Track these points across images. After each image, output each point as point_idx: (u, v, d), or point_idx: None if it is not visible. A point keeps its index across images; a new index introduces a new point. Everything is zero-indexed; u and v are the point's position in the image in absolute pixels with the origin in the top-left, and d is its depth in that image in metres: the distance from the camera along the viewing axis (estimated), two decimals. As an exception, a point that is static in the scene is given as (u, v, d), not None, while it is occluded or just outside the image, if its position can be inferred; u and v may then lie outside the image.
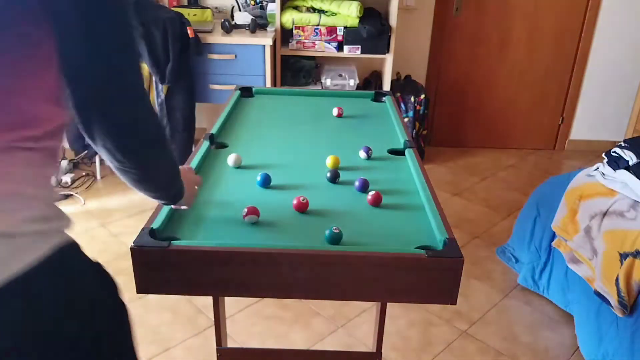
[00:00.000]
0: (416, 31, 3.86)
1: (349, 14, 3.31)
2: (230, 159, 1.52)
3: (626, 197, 2.09)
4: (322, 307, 2.40)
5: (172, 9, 3.31)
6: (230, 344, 2.16)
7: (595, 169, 2.30)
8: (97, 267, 0.88)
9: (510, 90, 4.06)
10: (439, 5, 3.78)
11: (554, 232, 2.33)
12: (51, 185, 0.82)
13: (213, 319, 1.80)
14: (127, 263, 2.66)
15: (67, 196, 3.28)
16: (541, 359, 2.16)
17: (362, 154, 1.60)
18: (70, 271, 0.80)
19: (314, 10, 3.39)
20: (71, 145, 3.34)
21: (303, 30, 3.34)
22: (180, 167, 1.18)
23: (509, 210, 3.30)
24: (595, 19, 3.83)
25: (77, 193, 3.31)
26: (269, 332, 2.25)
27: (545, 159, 4.09)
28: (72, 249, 0.82)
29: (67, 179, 3.39)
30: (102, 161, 3.68)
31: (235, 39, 3.22)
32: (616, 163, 2.21)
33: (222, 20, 3.30)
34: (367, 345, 2.20)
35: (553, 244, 2.33)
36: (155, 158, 0.97)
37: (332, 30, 3.33)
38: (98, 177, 3.52)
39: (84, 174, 3.55)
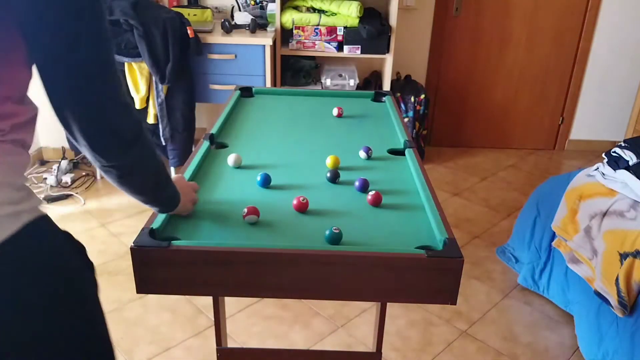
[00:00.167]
0: (416, 31, 3.86)
1: (349, 14, 3.31)
2: (230, 159, 1.52)
3: (626, 197, 2.09)
4: (322, 307, 2.40)
5: (172, 9, 3.31)
6: (230, 344, 2.17)
7: (595, 169, 2.30)
8: (66, 234, 0.98)
9: (510, 90, 4.06)
10: (439, 5, 3.78)
11: (554, 232, 2.33)
12: (22, 171, 0.89)
13: (213, 319, 1.80)
14: (127, 263, 2.67)
15: (67, 196, 3.28)
16: (541, 359, 2.16)
17: (362, 154, 1.60)
18: (41, 239, 0.90)
19: (314, 10, 3.39)
20: (71, 145, 3.34)
21: (303, 30, 3.34)
22: (172, 176, 1.21)
23: (509, 210, 3.30)
24: (595, 19, 3.83)
25: (77, 193, 3.31)
26: (269, 332, 2.25)
27: (545, 159, 4.09)
28: (42, 220, 0.91)
29: (67, 179, 3.39)
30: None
31: (235, 39, 3.22)
32: (616, 163, 2.21)
33: (222, 20, 3.30)
34: (367, 345, 2.20)
35: (553, 244, 2.33)
36: (135, 157, 0.97)
37: (332, 30, 3.33)
38: (98, 177, 3.52)
39: (84, 174, 3.55)
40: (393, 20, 3.40)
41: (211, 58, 3.24)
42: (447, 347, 2.20)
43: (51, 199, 3.21)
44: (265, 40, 3.20)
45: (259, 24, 3.40)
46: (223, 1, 3.66)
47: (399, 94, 3.65)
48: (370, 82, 3.81)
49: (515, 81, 4.03)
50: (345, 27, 3.34)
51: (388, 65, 3.45)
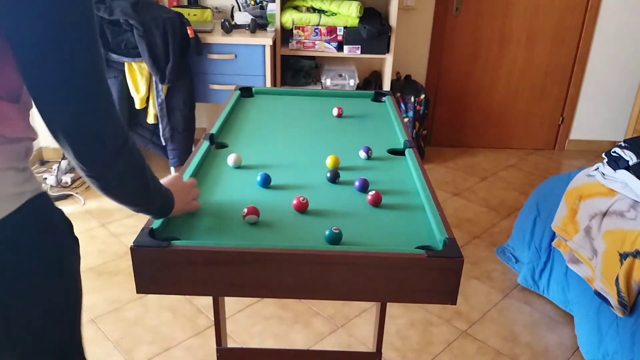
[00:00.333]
0: (416, 31, 3.86)
1: (349, 14, 3.31)
2: (230, 159, 1.52)
3: (626, 197, 2.09)
4: (322, 307, 2.40)
5: (172, 9, 3.31)
6: (230, 344, 2.17)
7: (595, 169, 2.30)
8: (60, 211, 1.07)
9: (510, 90, 4.06)
10: (439, 5, 3.79)
11: (554, 232, 2.33)
12: (25, 157, 0.98)
13: (213, 319, 1.80)
14: (127, 263, 2.67)
15: (67, 196, 3.28)
16: (541, 359, 2.16)
17: (362, 154, 1.60)
18: (39, 214, 1.00)
19: (314, 10, 3.39)
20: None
21: (303, 30, 3.34)
22: (168, 177, 1.22)
23: (509, 210, 3.30)
24: (595, 18, 3.83)
25: (77, 193, 3.31)
26: (269, 332, 2.25)
27: (545, 159, 4.09)
28: (42, 197, 1.00)
29: (67, 179, 3.40)
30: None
31: (235, 39, 3.22)
32: (616, 163, 2.21)
33: (222, 20, 3.30)
34: (367, 345, 2.20)
35: (553, 244, 2.33)
36: (119, 170, 0.97)
37: (332, 30, 3.34)
38: (98, 177, 3.51)
39: (84, 174, 3.54)
40: (393, 20, 3.40)
41: (211, 58, 3.24)
42: (447, 347, 2.20)
43: (51, 199, 3.21)
44: (265, 40, 3.20)
45: (259, 24, 3.40)
46: (223, 1, 3.66)
47: (399, 94, 3.65)
48: (370, 82, 3.81)
49: (515, 81, 4.03)
50: (345, 27, 3.34)
51: (388, 65, 3.45)
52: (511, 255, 2.64)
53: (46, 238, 1.01)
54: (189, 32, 3.07)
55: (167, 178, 1.23)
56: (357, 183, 1.41)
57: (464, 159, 4.02)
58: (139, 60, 3.05)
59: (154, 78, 3.11)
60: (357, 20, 3.34)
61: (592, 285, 2.05)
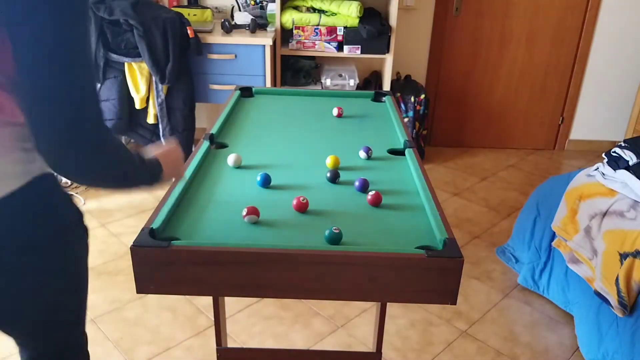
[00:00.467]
0: (416, 31, 3.86)
1: (349, 14, 3.31)
2: (230, 159, 1.52)
3: (626, 197, 2.09)
4: (322, 307, 2.40)
5: (172, 9, 3.31)
6: (230, 344, 2.17)
7: (595, 169, 2.30)
8: (67, 195, 1.12)
9: (510, 90, 4.06)
10: (439, 5, 3.79)
11: (554, 232, 2.33)
12: (29, 137, 0.97)
13: (213, 319, 1.80)
14: (127, 263, 2.67)
15: (67, 196, 3.28)
16: (541, 359, 2.16)
17: (362, 154, 1.60)
18: (44, 191, 1.05)
19: (314, 10, 3.39)
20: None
21: (303, 30, 3.34)
22: (164, 147, 1.23)
23: (509, 210, 3.30)
24: (595, 18, 3.83)
25: (77, 193, 3.31)
26: (269, 332, 2.25)
27: (545, 159, 4.09)
28: (48, 176, 1.05)
29: (67, 179, 3.39)
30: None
31: (235, 39, 3.22)
32: (616, 163, 2.21)
33: (222, 20, 3.30)
34: (367, 345, 2.20)
35: (553, 244, 2.33)
36: (95, 174, 0.98)
37: (332, 30, 3.34)
38: (98, 177, 3.52)
39: (84, 174, 3.54)
40: (393, 20, 3.40)
41: (211, 58, 3.24)
42: (447, 347, 2.20)
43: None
44: (265, 40, 3.20)
45: (259, 24, 3.40)
46: (223, 1, 3.66)
47: (399, 94, 3.65)
48: (370, 82, 3.81)
49: (515, 81, 4.03)
50: (345, 27, 3.34)
51: (388, 65, 3.45)
52: (511, 255, 2.64)
53: (47, 217, 1.05)
54: (189, 32, 3.07)
55: (163, 148, 1.22)
56: (357, 183, 1.41)
57: (464, 159, 4.02)
58: (139, 60, 3.05)
59: (154, 78, 3.11)
60: (357, 20, 3.34)
61: (592, 285, 2.05)
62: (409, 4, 3.75)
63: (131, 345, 2.16)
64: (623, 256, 1.91)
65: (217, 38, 3.21)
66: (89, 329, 2.22)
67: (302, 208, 1.29)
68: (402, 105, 3.65)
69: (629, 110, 4.08)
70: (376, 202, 1.34)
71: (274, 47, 3.34)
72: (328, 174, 1.46)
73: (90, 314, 2.32)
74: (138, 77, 3.12)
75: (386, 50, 3.42)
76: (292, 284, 1.12)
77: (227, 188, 1.41)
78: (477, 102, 4.09)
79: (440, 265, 1.10)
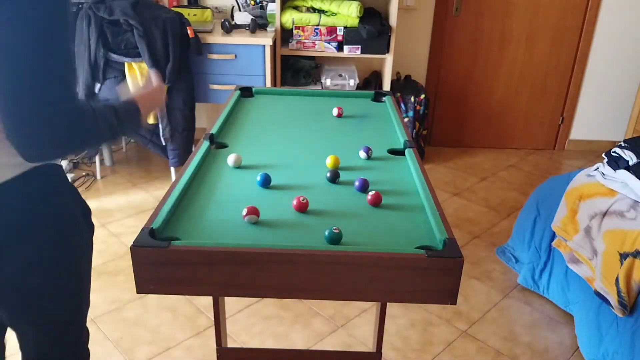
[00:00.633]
0: (416, 31, 3.86)
1: (349, 14, 3.31)
2: (230, 159, 1.52)
3: (626, 197, 2.09)
4: (322, 307, 2.40)
5: (172, 9, 3.31)
6: (230, 344, 2.17)
7: (595, 169, 2.30)
8: (74, 190, 1.14)
9: (510, 90, 4.06)
10: (439, 5, 3.78)
11: (554, 232, 2.33)
12: None
13: (213, 319, 1.80)
14: (127, 263, 2.67)
15: (67, 196, 3.27)
16: (541, 359, 2.16)
17: (362, 154, 1.60)
18: (47, 180, 1.07)
19: (314, 10, 3.39)
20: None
21: (303, 30, 3.34)
22: (139, 87, 1.22)
23: (509, 210, 3.30)
24: (595, 18, 3.83)
25: (77, 193, 3.31)
26: (269, 332, 2.25)
27: (545, 159, 4.09)
28: (52, 167, 1.07)
29: (67, 179, 3.39)
30: (102, 161, 3.68)
31: (235, 39, 3.22)
32: (616, 163, 2.21)
33: (222, 20, 3.30)
34: (367, 345, 2.20)
35: (553, 244, 2.33)
36: (73, 151, 1.02)
37: (332, 30, 3.33)
38: (98, 177, 3.52)
39: (84, 174, 3.55)
40: (393, 20, 3.40)
41: (211, 58, 3.24)
42: (447, 347, 2.20)
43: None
44: (265, 40, 3.20)
45: (259, 24, 3.40)
46: (223, 1, 3.66)
47: (399, 94, 3.65)
48: (370, 82, 3.81)
49: (515, 81, 4.03)
50: (345, 27, 3.34)
51: (388, 65, 3.45)
52: (511, 255, 2.64)
53: (45, 208, 1.07)
54: (189, 32, 3.07)
55: (143, 90, 1.23)
56: (357, 183, 1.41)
57: (464, 159, 4.02)
58: (139, 60, 3.05)
59: (154, 78, 3.11)
60: (357, 20, 3.34)
61: (592, 285, 2.05)
62: (409, 4, 3.75)
63: (131, 345, 2.16)
64: (623, 256, 1.91)
65: (217, 38, 3.21)
66: (89, 329, 2.22)
67: (302, 208, 1.29)
68: (402, 105, 3.65)
69: (629, 110, 4.08)
70: (376, 202, 1.33)
71: (274, 47, 3.34)
72: (328, 174, 1.46)
73: (90, 314, 2.31)
74: (138, 77, 3.12)
75: (386, 50, 3.42)
76: (292, 284, 1.12)
77: (227, 188, 1.41)
78: (477, 102, 4.09)
79: (440, 265, 1.10)
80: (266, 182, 1.42)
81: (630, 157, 2.18)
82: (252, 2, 3.58)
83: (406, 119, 3.67)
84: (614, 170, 2.20)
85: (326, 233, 1.17)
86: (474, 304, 2.46)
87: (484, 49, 3.92)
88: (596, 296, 1.99)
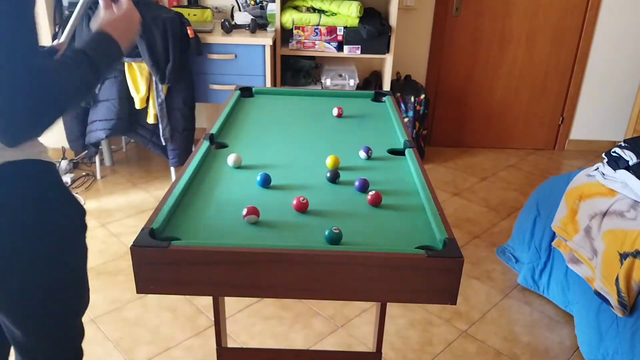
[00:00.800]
0: (416, 31, 3.86)
1: (349, 14, 3.31)
2: (230, 159, 1.52)
3: (626, 197, 2.09)
4: (322, 307, 2.40)
5: (172, 9, 3.31)
6: (230, 344, 2.17)
7: (595, 169, 2.30)
8: (66, 189, 1.12)
9: (511, 90, 4.06)
10: (439, 5, 3.78)
11: (554, 232, 2.33)
12: None
13: (213, 319, 1.80)
14: (127, 263, 2.67)
15: (67, 196, 3.27)
16: (541, 359, 2.16)
17: (362, 154, 1.60)
18: (23, 180, 1.05)
19: (314, 10, 3.39)
20: (71, 145, 3.34)
21: (303, 30, 3.34)
22: (104, 17, 1.13)
23: (509, 210, 3.30)
24: (595, 18, 3.83)
25: (77, 193, 3.31)
26: (269, 332, 2.25)
27: (545, 159, 4.09)
28: (42, 164, 1.06)
29: (67, 179, 3.40)
30: (102, 161, 3.68)
31: (235, 39, 3.22)
32: (616, 163, 2.21)
33: (222, 20, 3.30)
34: (367, 345, 2.20)
35: (553, 244, 2.33)
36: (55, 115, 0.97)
37: (332, 30, 3.33)
38: (98, 177, 3.52)
39: (84, 174, 3.55)
40: (393, 20, 3.40)
41: (211, 58, 3.24)
42: (447, 347, 2.20)
43: (51, 199, 3.21)
44: (265, 40, 3.20)
45: (259, 24, 3.40)
46: (223, 1, 3.66)
47: (399, 94, 3.65)
48: (370, 82, 3.81)
49: (515, 81, 4.03)
50: (345, 27, 3.34)
51: (388, 65, 3.45)
52: (511, 255, 2.64)
53: (31, 206, 1.06)
54: (189, 32, 3.07)
55: (104, 19, 1.13)
56: (357, 183, 1.41)
57: (464, 159, 4.02)
58: (139, 60, 3.05)
59: (154, 78, 3.11)
60: (357, 20, 3.34)
61: (592, 285, 2.05)
62: (409, 4, 3.75)
63: (131, 345, 2.16)
64: (623, 256, 1.91)
65: (217, 38, 3.21)
66: (89, 329, 2.22)
67: (302, 208, 1.29)
68: (402, 105, 3.65)
69: (629, 110, 4.08)
70: (376, 202, 1.33)
71: (274, 47, 3.34)
72: (328, 174, 1.46)
73: (90, 314, 2.32)
74: (138, 77, 3.12)
75: (386, 50, 3.41)
76: (292, 284, 1.12)
77: (227, 188, 1.41)
78: (477, 102, 4.09)
79: (440, 265, 1.10)
80: (266, 182, 1.42)
81: (630, 157, 2.18)
82: (252, 2, 3.58)
83: (406, 119, 3.67)
84: (614, 170, 2.20)
85: (326, 233, 1.17)
86: (474, 304, 2.46)
87: (484, 49, 3.92)
88: (596, 296, 1.99)
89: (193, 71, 3.28)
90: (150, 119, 3.22)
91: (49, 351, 1.25)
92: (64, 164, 3.45)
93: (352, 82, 3.50)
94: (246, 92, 2.15)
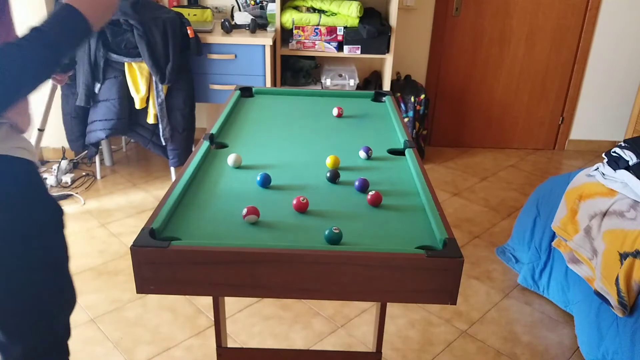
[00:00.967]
0: (416, 31, 3.86)
1: (349, 14, 3.31)
2: (230, 159, 1.52)
3: (626, 197, 2.09)
4: (322, 307, 2.40)
5: (172, 9, 3.31)
6: (230, 344, 2.17)
7: (595, 169, 2.30)
8: (43, 189, 1.14)
9: (510, 90, 4.06)
10: (439, 5, 3.79)
11: (554, 232, 2.33)
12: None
13: (213, 319, 1.80)
14: (127, 263, 2.67)
15: (67, 196, 3.28)
16: (541, 359, 2.16)
17: (362, 154, 1.60)
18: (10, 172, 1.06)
19: (314, 10, 3.39)
20: (71, 145, 3.34)
21: (303, 30, 3.34)
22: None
23: (509, 210, 3.30)
24: (595, 19, 3.83)
25: (77, 193, 3.31)
26: (269, 332, 2.25)
27: (545, 159, 4.09)
28: (19, 161, 1.07)
29: (67, 179, 3.40)
30: (102, 161, 3.68)
31: (235, 39, 3.22)
32: (616, 163, 2.21)
33: (222, 20, 3.30)
34: (367, 345, 2.20)
35: (553, 244, 2.33)
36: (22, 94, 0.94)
37: (332, 30, 3.34)
38: (98, 177, 3.52)
39: (84, 174, 3.55)
40: (393, 20, 3.40)
41: (211, 58, 3.24)
42: (447, 347, 2.20)
43: (51, 199, 3.21)
44: (265, 40, 3.20)
45: (259, 24, 3.40)
46: (223, 1, 3.66)
47: (399, 94, 3.65)
48: (370, 82, 3.81)
49: (515, 81, 4.03)
50: (345, 27, 3.34)
51: (388, 65, 3.45)
52: (511, 255, 2.64)
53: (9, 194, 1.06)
54: (189, 32, 3.07)
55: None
56: (357, 183, 1.41)
57: (464, 159, 4.02)
58: (139, 60, 3.05)
59: (154, 78, 3.11)
60: (357, 20, 3.34)
61: (592, 285, 2.05)
62: (409, 4, 3.75)
63: (131, 345, 2.16)
64: (623, 256, 1.91)
65: (217, 38, 3.21)
66: (89, 329, 2.22)
67: (302, 208, 1.29)
68: (402, 105, 3.65)
69: (629, 110, 4.08)
70: (376, 202, 1.33)
71: (274, 47, 3.34)
72: (328, 174, 1.46)
73: (90, 314, 2.32)
74: (138, 77, 3.12)
75: (386, 50, 3.42)
76: (292, 284, 1.12)
77: (227, 188, 1.41)
78: (477, 102, 4.09)
79: (440, 265, 1.10)
80: (266, 182, 1.42)
81: (630, 157, 2.18)
82: (252, 2, 3.58)
83: (406, 119, 3.67)
84: (614, 170, 2.20)
85: (326, 233, 1.17)
86: (474, 304, 2.46)
87: (484, 48, 3.92)
88: (596, 296, 1.99)
89: (193, 71, 3.28)
90: (150, 119, 3.22)
91: (33, 351, 1.24)
92: (63, 164, 3.45)
93: (352, 82, 3.50)
94: (246, 92, 2.15)
